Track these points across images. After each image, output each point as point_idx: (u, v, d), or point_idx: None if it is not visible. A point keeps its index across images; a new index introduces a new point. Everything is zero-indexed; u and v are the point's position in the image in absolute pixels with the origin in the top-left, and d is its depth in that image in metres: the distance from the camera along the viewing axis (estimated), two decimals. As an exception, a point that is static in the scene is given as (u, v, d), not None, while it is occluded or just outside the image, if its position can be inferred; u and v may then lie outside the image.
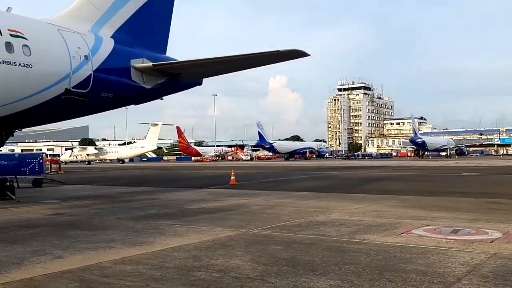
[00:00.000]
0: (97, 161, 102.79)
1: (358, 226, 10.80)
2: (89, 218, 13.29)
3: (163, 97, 22.42)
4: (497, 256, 7.57)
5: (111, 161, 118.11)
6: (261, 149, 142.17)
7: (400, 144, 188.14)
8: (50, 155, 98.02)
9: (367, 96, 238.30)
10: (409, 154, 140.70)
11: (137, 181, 33.30)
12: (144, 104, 22.46)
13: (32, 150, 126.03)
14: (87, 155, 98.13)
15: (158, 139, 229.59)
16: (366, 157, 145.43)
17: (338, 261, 7.39)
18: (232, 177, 26.43)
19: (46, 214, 14.29)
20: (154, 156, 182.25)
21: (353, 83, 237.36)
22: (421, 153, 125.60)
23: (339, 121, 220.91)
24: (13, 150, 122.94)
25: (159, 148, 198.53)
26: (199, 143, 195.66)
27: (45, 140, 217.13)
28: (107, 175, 44.38)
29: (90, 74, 17.15)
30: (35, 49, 15.26)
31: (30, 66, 15.02)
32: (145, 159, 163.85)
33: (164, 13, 22.05)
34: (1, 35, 14.39)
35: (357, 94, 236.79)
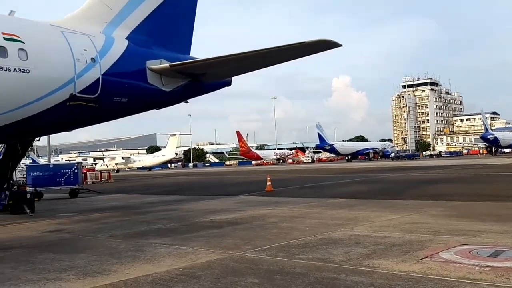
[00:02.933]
0: (126, 169, 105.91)
1: (377, 246, 8.68)
2: (81, 236, 11.97)
3: (188, 100, 20.97)
4: (547, 298, 5.30)
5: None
6: (322, 151, 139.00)
7: (471, 141, 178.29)
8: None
9: (434, 92, 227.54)
10: (481, 152, 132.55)
11: (176, 189, 32.17)
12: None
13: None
14: (116, 164, 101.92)
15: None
16: (434, 156, 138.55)
17: (317, 305, 5.41)
18: (268, 183, 24.58)
19: (42, 231, 13.16)
20: (217, 161, 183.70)
21: (418, 79, 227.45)
22: (493, 150, 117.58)
23: (404, 119, 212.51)
24: (86, 160, 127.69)
25: (221, 153, 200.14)
26: (261, 147, 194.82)
27: (115, 149, 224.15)
28: (151, 183, 43.67)
29: (99, 78, 15.89)
30: (32, 53, 14.16)
31: (27, 71, 13.92)
32: (208, 164, 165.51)
33: (185, 11, 20.54)
34: None
35: (423, 91, 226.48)
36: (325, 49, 17.87)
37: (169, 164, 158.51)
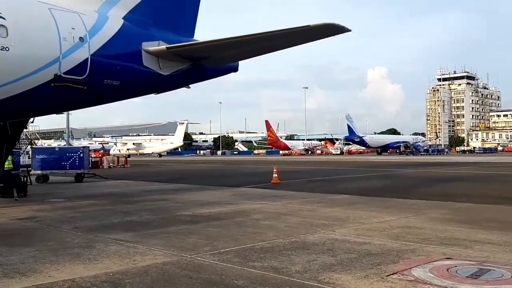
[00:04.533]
0: (138, 154, 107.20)
1: (348, 255, 7.54)
2: (45, 226, 11.19)
3: (190, 86, 20.06)
4: None
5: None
6: (351, 143, 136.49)
7: (507, 138, 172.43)
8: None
9: (470, 86, 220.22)
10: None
11: (186, 177, 31.41)
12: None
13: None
14: (128, 149, 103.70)
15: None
16: (467, 152, 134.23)
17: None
18: (274, 175, 23.48)
19: (13, 218, 12.51)
20: (246, 150, 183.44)
21: (454, 72, 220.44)
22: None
23: (438, 113, 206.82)
24: (115, 144, 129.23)
25: (250, 141, 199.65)
26: (290, 137, 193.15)
27: (147, 134, 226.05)
28: (165, 170, 43.05)
29: (87, 58, 15.01)
30: (13, 29, 13.37)
31: (7, 49, 13.16)
32: (236, 152, 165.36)
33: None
34: None
35: (459, 84, 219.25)
36: (332, 34, 16.76)
37: (198, 151, 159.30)
